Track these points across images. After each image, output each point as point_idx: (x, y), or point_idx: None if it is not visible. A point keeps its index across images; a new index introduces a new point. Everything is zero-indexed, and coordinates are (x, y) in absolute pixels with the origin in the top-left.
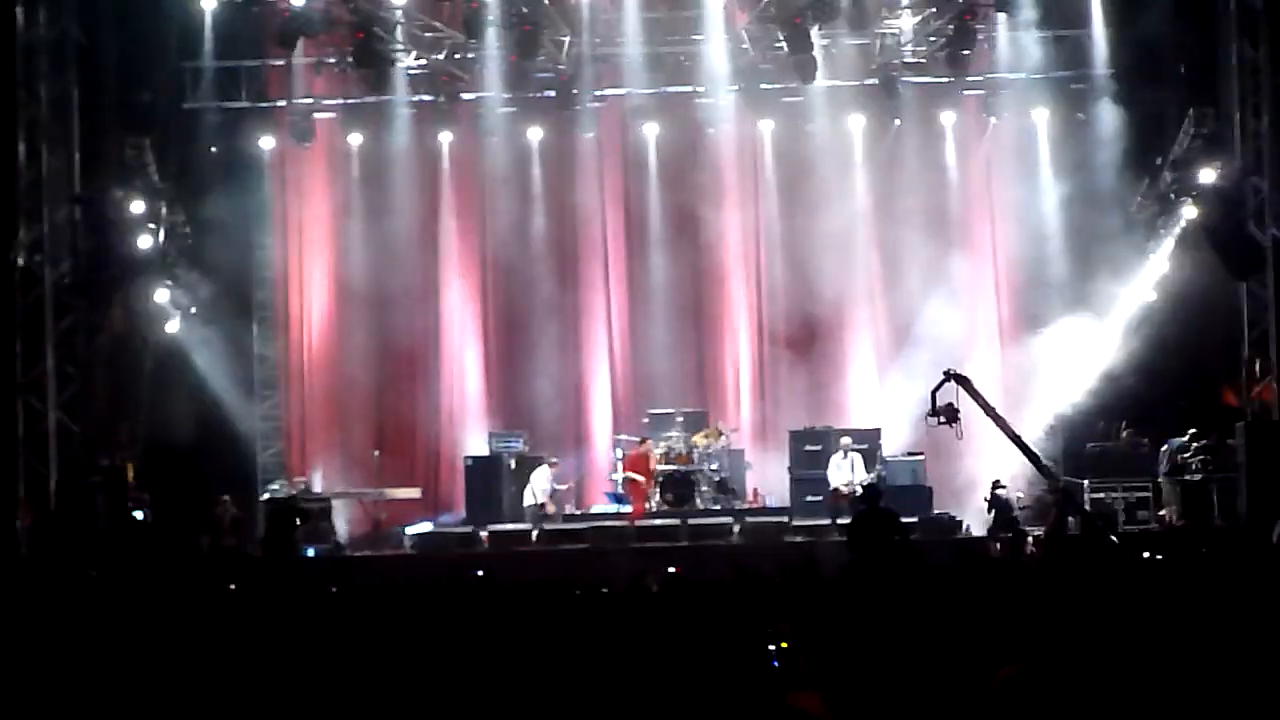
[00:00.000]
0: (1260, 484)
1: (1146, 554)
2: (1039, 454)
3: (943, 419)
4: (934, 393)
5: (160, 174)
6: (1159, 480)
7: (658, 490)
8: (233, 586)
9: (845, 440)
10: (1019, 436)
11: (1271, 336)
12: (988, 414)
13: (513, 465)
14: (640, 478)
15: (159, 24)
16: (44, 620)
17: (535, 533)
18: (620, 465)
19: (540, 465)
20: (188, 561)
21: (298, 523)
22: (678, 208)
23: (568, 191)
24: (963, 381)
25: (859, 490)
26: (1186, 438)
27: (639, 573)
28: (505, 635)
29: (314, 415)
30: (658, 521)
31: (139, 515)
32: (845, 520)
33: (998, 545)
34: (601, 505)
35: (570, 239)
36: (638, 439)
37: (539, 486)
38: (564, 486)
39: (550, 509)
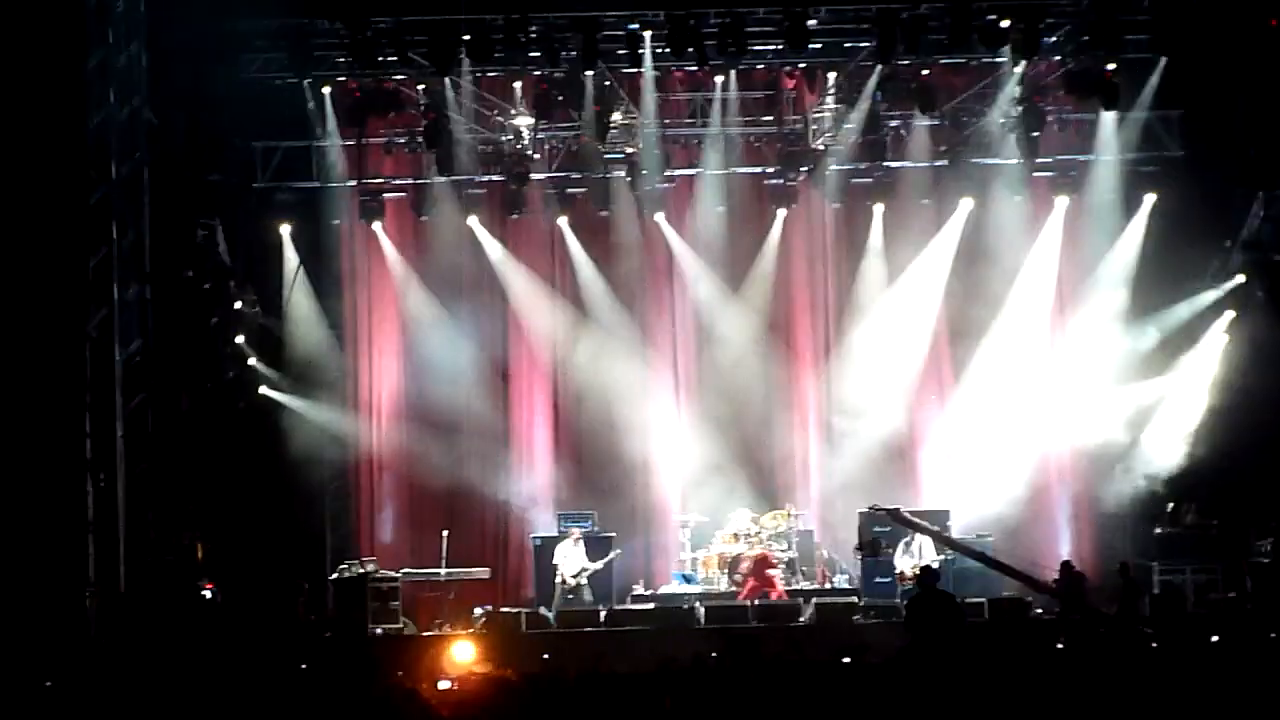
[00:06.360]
0: None
1: (1215, 637)
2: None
3: (866, 553)
4: (861, 528)
5: (230, 254)
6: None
7: (727, 570)
8: (304, 666)
9: None
10: (960, 543)
11: None
12: (934, 538)
13: (582, 546)
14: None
15: (229, 104)
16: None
17: (603, 613)
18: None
19: (564, 539)
20: (258, 641)
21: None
22: (745, 286)
23: (635, 272)
24: (892, 514)
25: None
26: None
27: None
28: None
29: (382, 494)
30: (726, 603)
31: (208, 595)
32: None
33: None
34: (669, 586)
35: (638, 319)
36: (706, 518)
37: (569, 563)
38: (598, 564)
39: (576, 587)
